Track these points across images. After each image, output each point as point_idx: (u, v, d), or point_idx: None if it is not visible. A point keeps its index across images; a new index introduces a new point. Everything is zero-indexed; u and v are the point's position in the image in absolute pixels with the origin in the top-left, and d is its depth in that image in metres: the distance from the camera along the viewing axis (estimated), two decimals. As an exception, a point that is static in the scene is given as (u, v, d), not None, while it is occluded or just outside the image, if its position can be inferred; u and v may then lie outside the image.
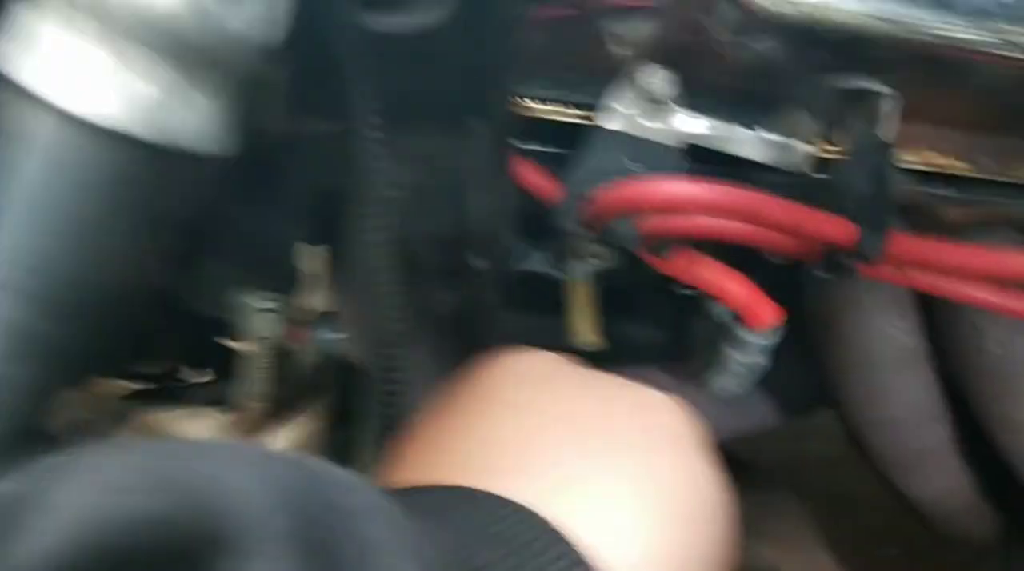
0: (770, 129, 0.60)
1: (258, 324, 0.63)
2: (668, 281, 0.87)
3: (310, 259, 0.62)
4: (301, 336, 0.73)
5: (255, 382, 0.61)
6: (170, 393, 0.99)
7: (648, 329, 0.94)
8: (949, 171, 0.59)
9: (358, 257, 0.53)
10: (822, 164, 0.60)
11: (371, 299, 0.54)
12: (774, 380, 0.80)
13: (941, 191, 0.61)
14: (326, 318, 0.75)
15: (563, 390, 0.43)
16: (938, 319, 0.67)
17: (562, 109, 0.61)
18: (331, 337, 0.74)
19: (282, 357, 0.62)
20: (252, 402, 0.61)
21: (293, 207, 0.60)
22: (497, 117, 0.49)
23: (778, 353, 0.70)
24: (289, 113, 0.52)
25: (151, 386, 0.93)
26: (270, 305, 0.62)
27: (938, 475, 0.71)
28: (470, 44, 0.43)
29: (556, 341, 0.90)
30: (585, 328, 0.68)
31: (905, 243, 0.48)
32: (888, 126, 0.51)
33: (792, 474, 1.82)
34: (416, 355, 0.65)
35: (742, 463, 1.17)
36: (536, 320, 0.94)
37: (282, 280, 0.63)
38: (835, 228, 0.48)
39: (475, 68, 0.46)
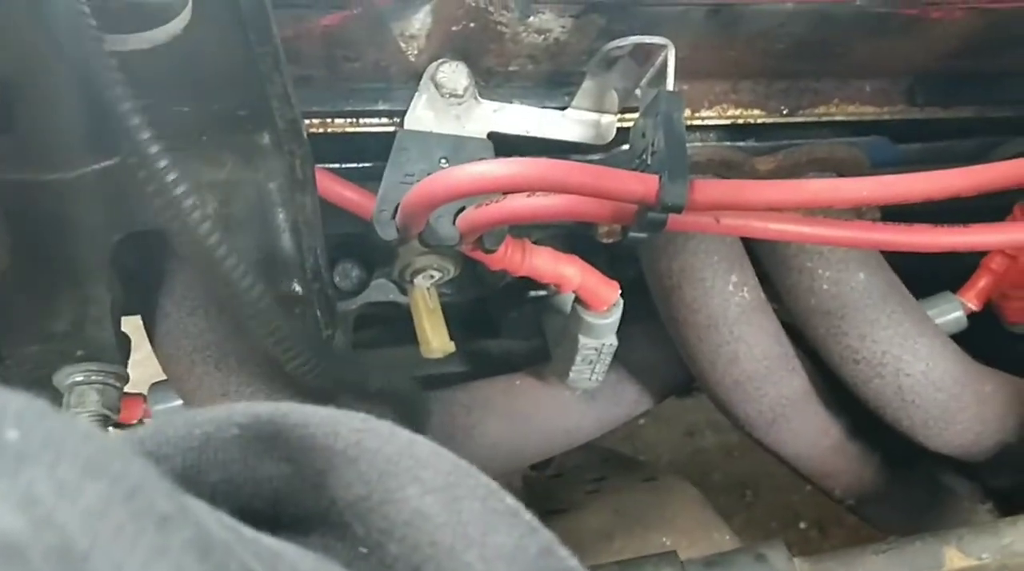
0: (577, 107, 0.61)
1: (76, 400, 0.59)
2: (520, 286, 0.86)
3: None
4: (133, 410, 0.68)
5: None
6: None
7: (510, 339, 0.93)
8: (745, 120, 0.61)
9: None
10: (625, 135, 0.61)
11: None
12: (634, 364, 0.80)
13: (743, 142, 0.63)
14: (158, 387, 0.70)
15: None
16: (771, 272, 0.68)
17: (368, 120, 0.60)
18: (167, 406, 0.69)
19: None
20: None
21: (96, 263, 0.56)
22: (287, 129, 0.47)
23: (631, 337, 0.70)
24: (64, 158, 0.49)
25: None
26: (84, 376, 0.58)
27: (803, 426, 0.72)
28: (222, 45, 0.41)
29: (418, 368, 0.88)
30: (436, 337, 0.66)
31: (707, 188, 0.49)
32: (671, 76, 0.51)
33: (690, 467, 1.85)
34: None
35: (635, 461, 1.17)
36: (395, 352, 0.92)
37: (96, 347, 0.58)
38: (636, 183, 0.47)
39: (244, 75, 0.44)
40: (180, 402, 0.70)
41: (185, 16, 0.40)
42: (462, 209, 0.56)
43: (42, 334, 0.57)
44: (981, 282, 0.73)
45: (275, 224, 0.51)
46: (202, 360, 0.60)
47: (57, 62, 0.41)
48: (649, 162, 0.51)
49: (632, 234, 0.53)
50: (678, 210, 0.48)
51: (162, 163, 0.42)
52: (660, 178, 0.48)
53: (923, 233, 0.53)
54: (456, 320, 0.70)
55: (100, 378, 0.58)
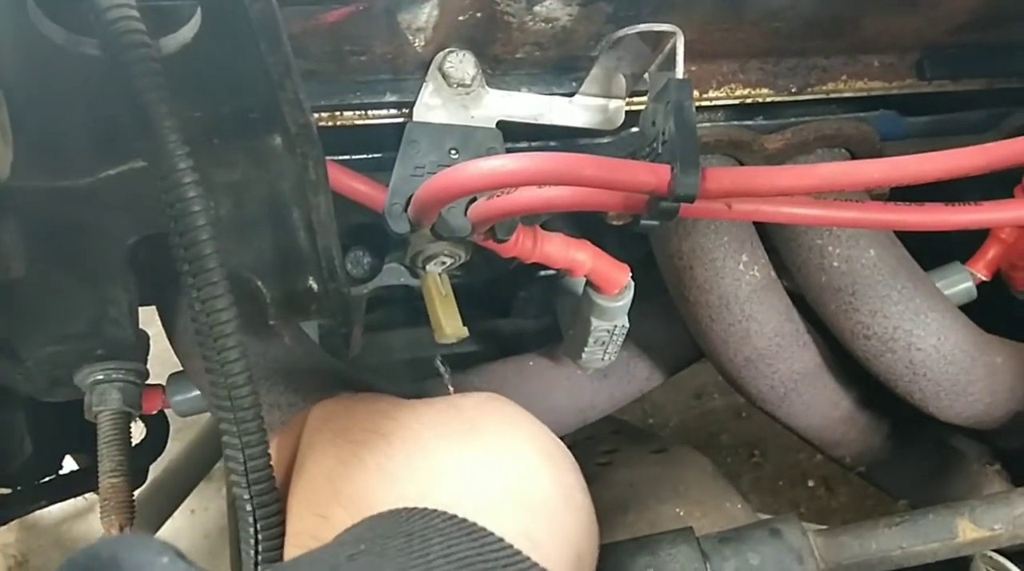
0: (585, 93, 0.61)
1: (98, 399, 0.59)
2: (530, 266, 0.87)
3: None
4: (153, 401, 0.69)
5: (106, 456, 0.57)
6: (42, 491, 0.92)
7: (521, 318, 0.94)
8: (753, 100, 0.61)
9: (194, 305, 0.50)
10: (633, 118, 0.61)
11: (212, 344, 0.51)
12: (644, 341, 0.81)
13: (752, 121, 0.63)
14: (175, 378, 0.71)
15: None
16: (781, 249, 0.68)
17: (377, 112, 0.60)
18: (185, 397, 0.70)
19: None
20: (108, 477, 0.57)
21: (113, 266, 0.56)
22: (299, 133, 0.47)
23: (642, 314, 0.70)
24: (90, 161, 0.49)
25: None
26: (105, 375, 0.58)
27: (814, 399, 0.73)
28: (232, 51, 0.41)
29: (429, 349, 0.89)
30: (449, 322, 0.67)
31: (718, 176, 0.49)
32: (680, 63, 0.51)
33: (699, 428, 1.86)
34: (274, 395, 0.63)
35: (646, 432, 1.18)
36: (407, 333, 0.93)
37: (116, 346, 0.59)
38: (648, 174, 0.47)
39: (255, 79, 0.44)
40: (197, 392, 0.71)
41: (194, 25, 0.40)
42: (473, 200, 0.56)
43: (61, 335, 0.57)
44: (991, 252, 0.73)
45: (289, 223, 0.51)
46: (220, 355, 0.60)
47: (81, 66, 0.41)
48: (660, 151, 0.51)
49: (644, 222, 0.53)
50: (690, 200, 0.48)
51: (187, 179, 0.41)
52: (672, 168, 0.48)
53: (934, 212, 0.53)
54: (467, 300, 0.70)
55: (120, 376, 0.59)
